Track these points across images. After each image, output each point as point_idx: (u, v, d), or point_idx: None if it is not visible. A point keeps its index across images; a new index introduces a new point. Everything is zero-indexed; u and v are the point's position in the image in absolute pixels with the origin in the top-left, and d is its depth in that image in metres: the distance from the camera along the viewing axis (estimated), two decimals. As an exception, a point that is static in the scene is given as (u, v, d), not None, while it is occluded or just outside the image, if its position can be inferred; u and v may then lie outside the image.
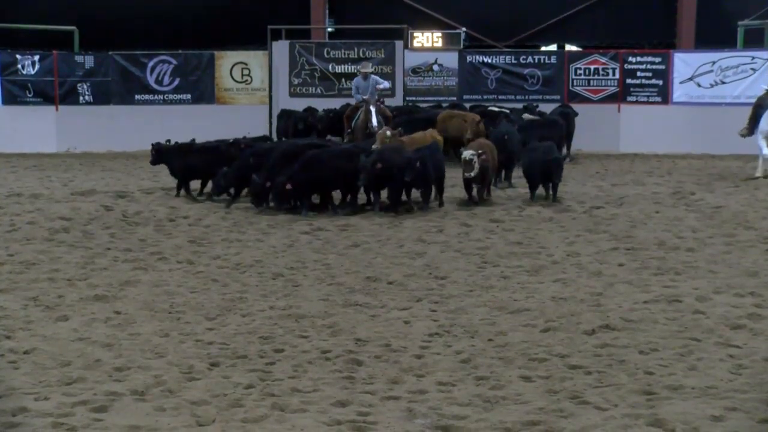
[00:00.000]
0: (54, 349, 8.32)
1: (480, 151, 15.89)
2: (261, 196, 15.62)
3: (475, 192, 16.37)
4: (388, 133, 17.32)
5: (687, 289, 10.42)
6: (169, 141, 18.31)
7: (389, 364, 7.92)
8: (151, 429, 6.52)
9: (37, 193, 18.41)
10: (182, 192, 17.53)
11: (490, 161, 16.31)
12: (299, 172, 15.10)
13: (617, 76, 26.48)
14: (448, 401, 7.03)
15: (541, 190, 16.74)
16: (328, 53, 27.09)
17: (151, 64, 27.44)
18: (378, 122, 20.20)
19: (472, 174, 15.81)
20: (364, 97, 21.31)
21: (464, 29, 28.83)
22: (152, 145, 18.14)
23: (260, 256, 12.47)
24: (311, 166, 15.19)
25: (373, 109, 20.58)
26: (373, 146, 16.66)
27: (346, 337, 8.69)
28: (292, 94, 26.68)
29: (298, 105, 25.66)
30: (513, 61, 26.99)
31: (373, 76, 22.12)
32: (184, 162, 17.57)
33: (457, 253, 12.60)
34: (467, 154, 15.86)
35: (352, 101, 22.82)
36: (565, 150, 23.29)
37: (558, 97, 26.33)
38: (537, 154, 16.58)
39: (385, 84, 22.25)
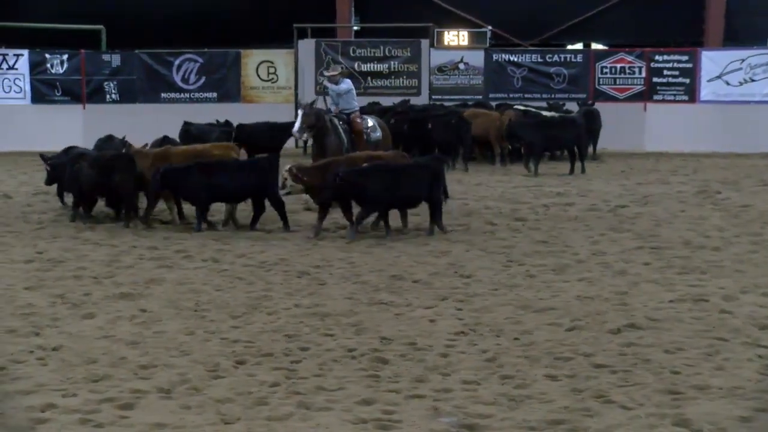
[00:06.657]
0: (80, 346, 8.37)
1: (296, 169, 13.88)
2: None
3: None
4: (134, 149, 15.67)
5: (713, 289, 10.35)
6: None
7: (414, 362, 7.91)
8: (177, 427, 6.54)
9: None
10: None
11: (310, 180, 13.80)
12: None
13: (643, 74, 26.36)
14: (472, 400, 7.02)
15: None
16: (353, 52, 27.13)
17: (177, 62, 27.55)
18: (300, 129, 16.26)
19: (283, 193, 13.97)
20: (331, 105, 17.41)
21: (490, 28, 28.79)
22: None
23: (285, 254, 12.49)
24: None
25: (300, 112, 16.36)
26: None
27: (371, 335, 8.70)
28: (318, 93, 26.72)
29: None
30: (539, 60, 26.93)
31: (345, 79, 17.87)
32: None
33: (481, 251, 12.58)
34: (284, 171, 13.95)
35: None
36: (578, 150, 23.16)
37: (584, 95, 26.23)
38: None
39: (337, 88, 17.39)
